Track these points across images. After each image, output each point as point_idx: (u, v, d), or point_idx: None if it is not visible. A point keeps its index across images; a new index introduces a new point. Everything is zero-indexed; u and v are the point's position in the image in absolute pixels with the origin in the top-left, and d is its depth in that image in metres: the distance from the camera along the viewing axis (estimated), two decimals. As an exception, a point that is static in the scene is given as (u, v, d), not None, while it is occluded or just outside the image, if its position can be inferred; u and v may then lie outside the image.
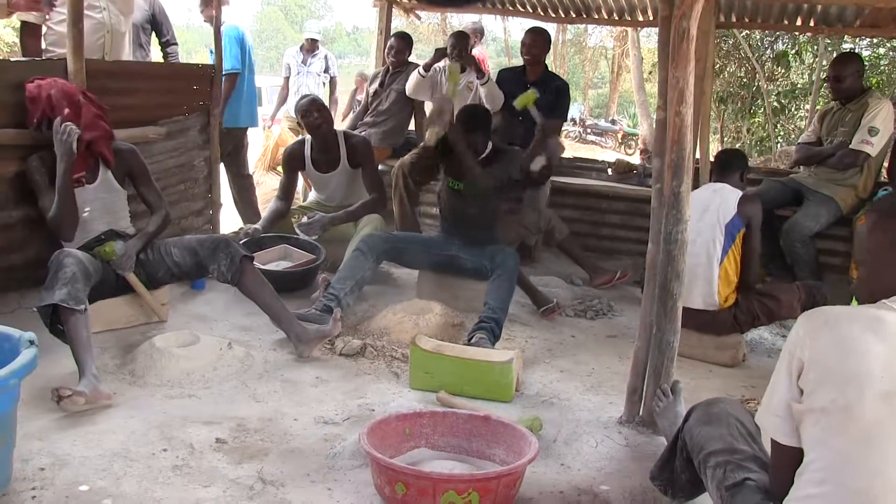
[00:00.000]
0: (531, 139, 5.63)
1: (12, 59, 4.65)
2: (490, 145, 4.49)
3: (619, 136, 21.76)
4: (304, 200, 6.00)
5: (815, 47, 12.09)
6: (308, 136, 5.09)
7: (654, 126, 3.07)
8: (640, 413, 3.10)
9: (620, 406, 3.22)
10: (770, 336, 4.45)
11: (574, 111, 22.21)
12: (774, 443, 1.83)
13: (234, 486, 2.51)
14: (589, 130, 22.84)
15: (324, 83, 8.34)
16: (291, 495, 2.48)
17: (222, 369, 3.48)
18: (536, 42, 5.92)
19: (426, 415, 2.82)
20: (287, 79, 8.30)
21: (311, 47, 8.23)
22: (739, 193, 4.03)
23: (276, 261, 4.88)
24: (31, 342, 2.40)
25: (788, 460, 1.77)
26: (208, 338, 3.67)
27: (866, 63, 8.45)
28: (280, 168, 7.05)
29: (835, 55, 7.49)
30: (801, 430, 1.72)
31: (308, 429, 2.99)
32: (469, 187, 4.44)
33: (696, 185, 4.76)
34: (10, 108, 3.78)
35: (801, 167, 5.71)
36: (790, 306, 4.04)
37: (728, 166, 4.23)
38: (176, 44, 5.96)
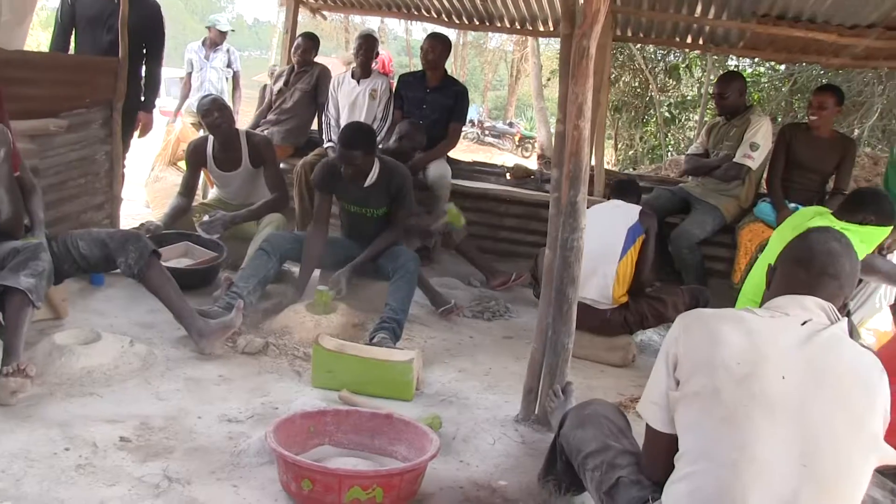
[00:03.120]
0: (434, 143, 5.79)
1: None
2: (377, 163, 4.45)
3: (517, 138, 22.20)
4: (204, 197, 5.97)
5: (704, 62, 12.66)
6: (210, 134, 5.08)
7: (554, 138, 3.23)
8: (536, 412, 3.26)
9: (517, 405, 3.37)
10: (658, 338, 4.69)
11: (472, 113, 22.55)
12: (651, 430, 2.02)
13: (139, 484, 2.53)
14: (487, 132, 23.21)
15: (227, 78, 8.27)
16: (197, 492, 2.52)
17: (124, 367, 3.46)
18: (435, 48, 6.07)
19: (330, 413, 2.90)
20: (189, 74, 8.19)
21: (218, 40, 8.15)
22: (640, 208, 4.39)
23: (177, 258, 4.85)
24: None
25: (664, 445, 1.97)
26: (110, 335, 3.63)
27: (749, 80, 8.93)
28: (180, 164, 6.98)
29: (720, 72, 7.91)
30: (676, 417, 1.92)
31: (212, 427, 3.03)
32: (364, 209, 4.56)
33: (590, 193, 5.03)
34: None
35: (690, 177, 6.03)
36: (675, 308, 4.30)
37: (626, 192, 4.64)
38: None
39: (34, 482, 2.48)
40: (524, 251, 6.03)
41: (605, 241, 4.19)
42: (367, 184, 4.36)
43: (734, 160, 5.45)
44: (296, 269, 5.04)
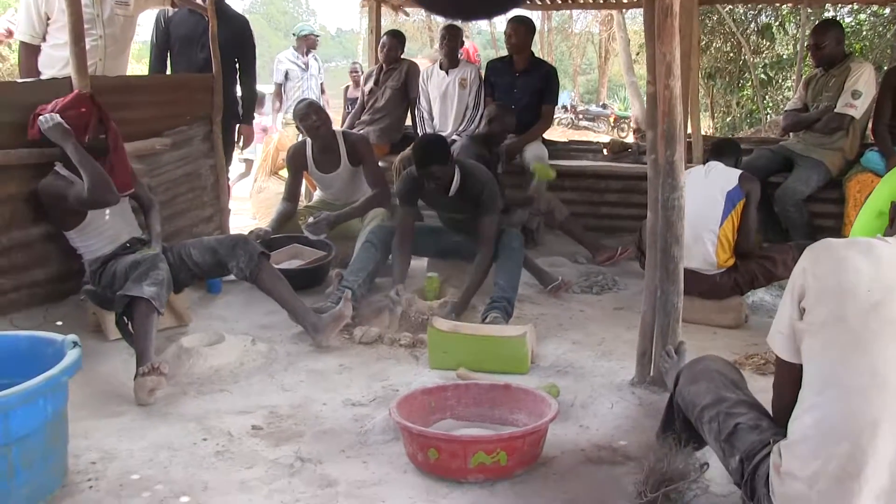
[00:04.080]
0: (528, 127, 5.79)
1: (19, 80, 4.76)
2: (457, 171, 4.37)
3: (612, 119, 21.89)
4: (309, 201, 6.14)
5: (798, 18, 12.22)
6: (308, 138, 5.22)
7: (646, 101, 3.21)
8: (651, 374, 3.26)
9: (632, 370, 3.37)
10: (770, 298, 4.58)
11: (564, 98, 22.36)
12: (779, 360, 2.01)
13: (274, 465, 2.66)
14: (581, 116, 22.98)
15: (321, 83, 8.49)
16: (330, 469, 2.63)
17: (248, 364, 3.63)
18: (518, 31, 6.09)
19: (450, 387, 2.97)
20: (280, 85, 8.43)
21: (311, 44, 8.36)
22: (740, 172, 4.26)
23: (287, 260, 5.01)
24: (75, 343, 2.54)
25: (789, 376, 1.96)
26: (232, 336, 3.81)
27: (848, 30, 8.58)
28: (282, 173, 7.20)
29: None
30: (802, 347, 1.90)
31: (337, 411, 3.14)
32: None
33: (689, 160, 4.94)
34: (17, 129, 3.87)
35: (790, 134, 5.85)
36: (785, 265, 4.18)
37: (724, 153, 4.48)
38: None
39: (179, 468, 2.64)
40: (627, 225, 5.98)
41: (703, 208, 4.09)
42: (451, 192, 4.38)
43: (835, 111, 5.27)
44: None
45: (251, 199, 7.56)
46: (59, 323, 3.94)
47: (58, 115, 3.67)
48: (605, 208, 6.28)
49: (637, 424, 2.95)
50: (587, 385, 3.34)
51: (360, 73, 8.90)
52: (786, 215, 5.23)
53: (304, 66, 8.40)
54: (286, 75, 8.46)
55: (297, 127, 5.44)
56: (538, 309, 4.47)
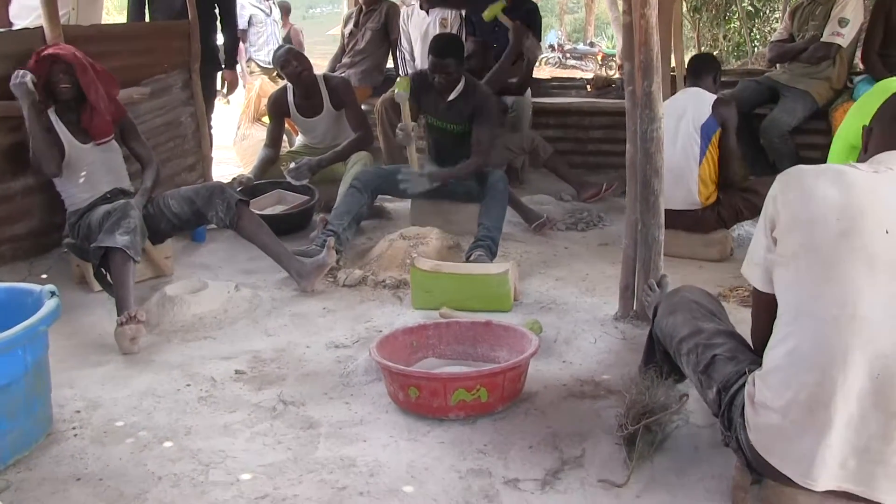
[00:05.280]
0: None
1: (-7, 32, 4.66)
2: (463, 80, 4.48)
3: (599, 57, 21.57)
4: (291, 146, 6.09)
5: (786, -55, 12.04)
6: (289, 84, 5.16)
7: (622, 31, 3.16)
8: (634, 308, 3.26)
9: (615, 305, 3.38)
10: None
11: (552, 38, 22.02)
12: (755, 291, 2.00)
13: (257, 409, 2.67)
14: (568, 55, 22.65)
15: (275, 20, 8.36)
16: (312, 411, 2.65)
17: (232, 310, 3.62)
18: None
19: (430, 326, 2.97)
20: (244, 31, 8.28)
21: None
22: (713, 97, 4.14)
23: (271, 206, 5.00)
24: (53, 293, 2.53)
25: (766, 305, 1.94)
26: (216, 283, 3.79)
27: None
28: (265, 119, 7.11)
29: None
30: (775, 279, 1.88)
31: (321, 354, 3.15)
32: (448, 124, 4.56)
33: (674, 93, 4.85)
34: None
35: (776, 65, 5.78)
36: None
37: (700, 71, 4.33)
38: None
39: (163, 414, 2.66)
40: (613, 161, 5.91)
41: (680, 148, 4.03)
42: (451, 97, 4.38)
43: (822, 40, 5.18)
44: (387, 203, 5.14)
45: (235, 147, 7.48)
46: (44, 276, 3.93)
47: (30, 73, 3.64)
48: (591, 145, 6.24)
49: (620, 359, 2.97)
50: (570, 321, 3.35)
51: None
52: (772, 147, 5.19)
53: (267, 11, 8.26)
54: (249, 20, 8.30)
55: (276, 74, 5.37)
56: (522, 247, 4.47)
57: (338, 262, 4.14)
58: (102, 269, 3.49)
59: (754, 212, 4.20)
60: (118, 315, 3.24)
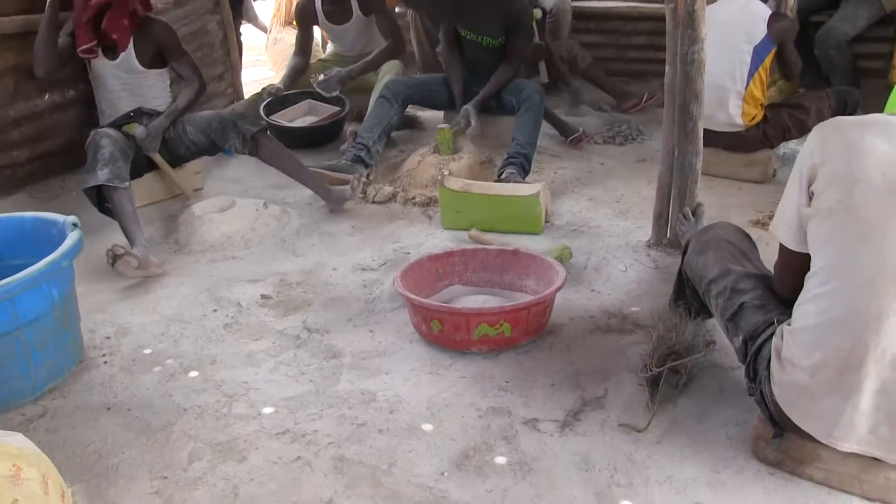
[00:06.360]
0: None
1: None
2: None
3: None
4: (324, 53, 5.95)
5: None
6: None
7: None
8: (668, 235, 3.17)
9: (649, 230, 3.29)
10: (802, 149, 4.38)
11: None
12: (783, 248, 1.90)
13: (281, 336, 2.68)
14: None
15: None
16: (336, 340, 2.65)
17: (260, 229, 3.61)
18: None
19: (457, 253, 2.92)
20: None
21: None
22: (769, 11, 3.85)
23: (301, 117, 4.93)
24: (75, 225, 2.52)
25: (795, 266, 1.85)
26: (244, 200, 3.78)
27: None
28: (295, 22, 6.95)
29: None
30: (809, 234, 1.78)
31: (347, 277, 3.14)
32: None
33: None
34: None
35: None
36: (820, 115, 3.91)
37: None
38: None
39: (189, 342, 2.68)
40: (655, 69, 5.64)
41: (724, 64, 3.78)
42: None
43: None
44: (420, 113, 5.04)
45: (267, 51, 7.36)
46: (75, 193, 3.93)
47: None
48: (633, 52, 5.98)
49: (650, 289, 2.90)
50: (601, 246, 3.28)
51: None
52: (827, 59, 4.84)
53: None
54: None
55: None
56: (557, 162, 4.36)
57: (368, 177, 4.10)
58: (106, 204, 3.46)
59: (802, 129, 4.02)
60: (131, 249, 3.23)
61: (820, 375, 1.71)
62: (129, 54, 3.78)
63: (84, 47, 3.69)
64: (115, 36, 3.71)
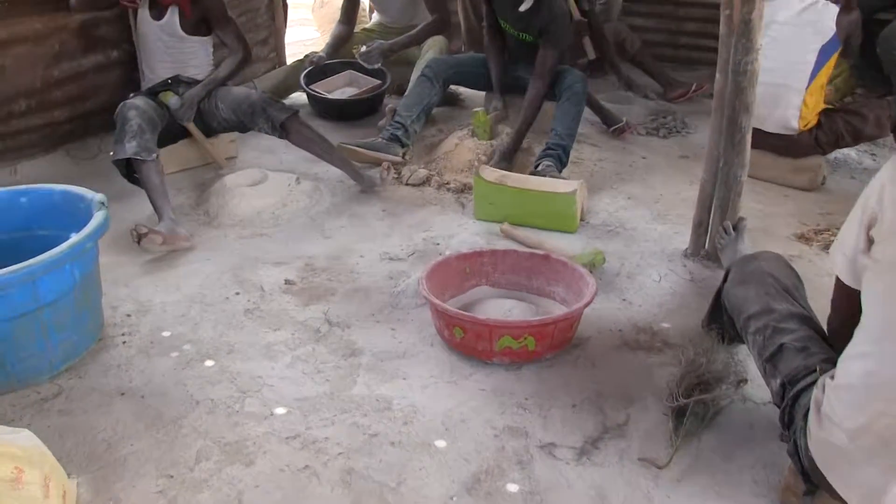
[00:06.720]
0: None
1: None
2: None
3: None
4: (370, 21, 5.84)
5: None
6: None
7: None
8: (706, 247, 3.07)
9: (687, 236, 3.17)
10: (856, 155, 4.22)
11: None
12: (838, 280, 1.78)
13: (301, 328, 2.64)
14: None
15: None
16: (356, 336, 2.60)
17: (292, 205, 3.56)
18: None
19: (486, 253, 2.85)
20: None
21: None
22: (837, 7, 3.65)
23: (342, 87, 4.86)
24: (102, 204, 2.49)
25: (847, 300, 1.73)
26: (277, 174, 3.73)
27: None
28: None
29: None
30: (864, 282, 1.66)
31: (374, 266, 3.08)
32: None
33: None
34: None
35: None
36: (878, 124, 3.78)
37: None
38: None
39: (208, 327, 2.65)
40: (706, 58, 5.50)
41: (789, 64, 3.62)
42: (523, 7, 4.04)
43: None
44: (462, 90, 4.93)
45: (314, 14, 7.26)
46: (111, 153, 3.90)
47: None
48: (684, 38, 5.80)
49: (683, 303, 2.81)
50: (636, 251, 3.18)
51: None
52: (890, 59, 4.61)
53: None
54: None
55: None
56: (598, 153, 4.24)
57: (404, 157, 4.03)
58: (135, 175, 3.42)
59: (858, 138, 3.87)
60: (159, 222, 3.22)
61: (861, 441, 1.59)
62: (174, 18, 3.73)
63: (128, 3, 3.69)
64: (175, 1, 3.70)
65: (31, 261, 2.17)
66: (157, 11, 3.74)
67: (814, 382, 1.78)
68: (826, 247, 3.17)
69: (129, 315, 2.70)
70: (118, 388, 2.32)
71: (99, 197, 2.52)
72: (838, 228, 3.19)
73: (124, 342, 2.55)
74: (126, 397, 2.28)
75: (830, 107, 3.90)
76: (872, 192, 1.63)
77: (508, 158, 3.91)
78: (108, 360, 2.46)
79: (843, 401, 1.64)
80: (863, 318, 1.65)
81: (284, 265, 3.07)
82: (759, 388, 2.24)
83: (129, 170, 3.42)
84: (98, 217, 2.40)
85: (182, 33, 3.76)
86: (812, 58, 3.64)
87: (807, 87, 3.67)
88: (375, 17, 5.31)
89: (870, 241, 1.63)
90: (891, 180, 1.59)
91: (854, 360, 1.64)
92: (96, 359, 2.46)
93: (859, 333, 1.65)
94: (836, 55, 3.69)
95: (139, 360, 2.45)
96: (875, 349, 1.59)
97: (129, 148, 3.33)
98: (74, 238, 2.28)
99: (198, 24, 3.80)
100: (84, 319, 2.44)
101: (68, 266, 2.27)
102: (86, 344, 2.47)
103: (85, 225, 2.38)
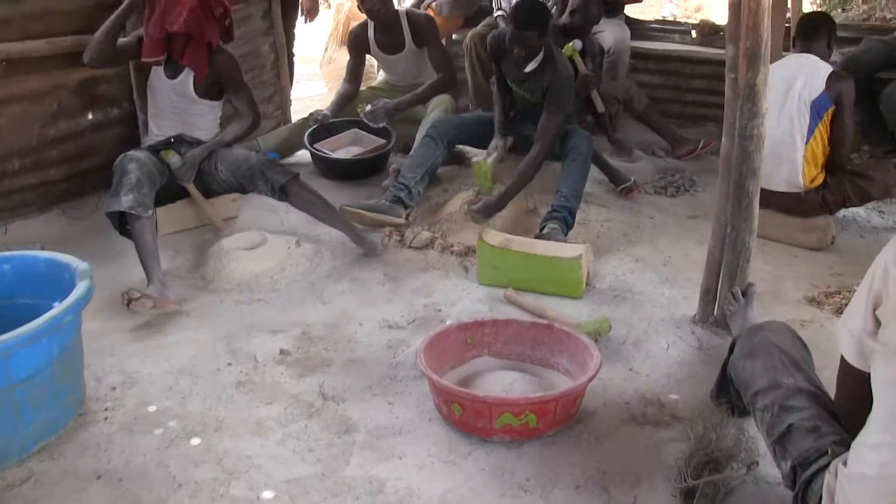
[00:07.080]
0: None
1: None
2: (543, 51, 3.97)
3: None
4: (376, 77, 5.84)
5: None
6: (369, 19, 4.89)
7: (728, 9, 2.76)
8: (714, 313, 2.96)
9: (695, 301, 3.07)
10: (865, 213, 4.13)
11: (667, 9, 20.80)
12: (843, 358, 1.69)
13: (294, 402, 2.53)
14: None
15: None
16: (351, 410, 2.49)
17: (290, 269, 3.48)
18: None
19: (488, 323, 2.75)
20: None
21: None
22: (829, 69, 3.66)
23: (346, 146, 4.82)
24: (87, 273, 2.41)
25: (853, 381, 1.64)
26: (276, 237, 3.66)
27: None
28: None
29: None
30: (872, 365, 1.57)
31: (372, 335, 2.98)
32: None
33: (785, 48, 4.35)
34: (71, 16, 3.75)
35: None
36: (885, 186, 3.77)
37: (812, 34, 3.78)
38: None
39: (197, 400, 2.54)
40: (713, 114, 5.44)
41: (784, 121, 3.62)
42: (527, 69, 3.99)
43: None
44: (468, 149, 4.86)
45: (322, 69, 7.28)
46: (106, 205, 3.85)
47: None
48: (691, 95, 5.77)
49: (692, 373, 2.70)
50: (643, 317, 3.08)
51: None
52: (893, 117, 4.63)
53: None
54: None
55: (357, 7, 5.09)
56: (605, 213, 4.15)
57: (407, 218, 3.96)
58: (127, 227, 3.36)
59: (863, 199, 3.84)
60: (147, 285, 3.15)
61: None
62: (188, 80, 3.70)
63: (151, 60, 3.66)
64: (189, 64, 3.67)
65: (4, 336, 2.07)
66: (173, 70, 3.71)
67: (825, 466, 1.67)
68: (838, 310, 3.08)
69: (114, 388, 2.60)
70: (95, 471, 2.20)
71: (83, 266, 2.44)
72: (849, 291, 3.14)
73: (106, 418, 2.44)
74: (102, 481, 2.17)
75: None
76: (877, 271, 1.56)
77: (488, 214, 3.84)
78: (86, 438, 2.34)
79: (857, 491, 1.54)
80: (874, 406, 1.55)
81: (281, 333, 2.97)
82: (771, 466, 2.10)
83: (122, 223, 3.36)
84: (80, 288, 2.32)
85: (194, 95, 3.73)
86: (806, 113, 3.62)
87: (806, 143, 3.65)
88: (382, 74, 5.30)
89: (877, 322, 1.54)
90: (894, 262, 1.51)
91: (868, 450, 1.54)
92: (74, 437, 2.34)
93: (872, 421, 1.55)
94: (830, 111, 3.64)
95: (120, 438, 2.34)
96: (888, 439, 1.49)
97: (126, 201, 3.27)
98: (53, 311, 2.19)
99: (211, 87, 3.77)
100: (62, 395, 2.33)
101: (45, 340, 2.17)
102: (63, 421, 2.36)
103: (69, 294, 2.30)
